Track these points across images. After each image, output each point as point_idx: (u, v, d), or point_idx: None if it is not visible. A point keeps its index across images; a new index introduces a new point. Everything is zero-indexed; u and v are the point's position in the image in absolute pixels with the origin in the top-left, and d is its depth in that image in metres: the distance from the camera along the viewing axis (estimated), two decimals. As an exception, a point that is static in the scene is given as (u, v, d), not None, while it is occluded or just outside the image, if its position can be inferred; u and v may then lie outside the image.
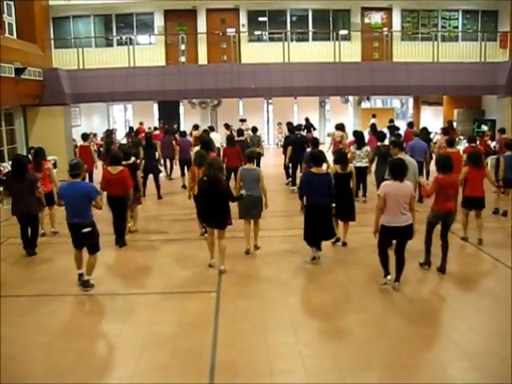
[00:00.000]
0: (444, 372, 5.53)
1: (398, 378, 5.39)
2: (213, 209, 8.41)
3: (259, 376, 5.52)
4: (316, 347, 6.24)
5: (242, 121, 24.75)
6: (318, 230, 8.79)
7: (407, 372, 5.53)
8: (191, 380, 5.46)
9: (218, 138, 17.21)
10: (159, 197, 15.00)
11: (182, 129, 23.50)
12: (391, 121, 21.52)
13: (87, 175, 14.90)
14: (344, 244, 9.87)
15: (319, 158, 8.99)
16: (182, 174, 16.14)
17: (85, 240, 7.95)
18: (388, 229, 7.49)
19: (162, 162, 17.60)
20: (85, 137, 16.03)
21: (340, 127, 16.93)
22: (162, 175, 16.40)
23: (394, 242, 7.76)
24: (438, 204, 8.31)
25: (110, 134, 18.39)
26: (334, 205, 9.05)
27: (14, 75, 16.40)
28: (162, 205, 14.35)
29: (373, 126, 17.33)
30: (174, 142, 16.70)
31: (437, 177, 8.28)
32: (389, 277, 7.66)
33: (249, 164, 9.64)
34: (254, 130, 18.07)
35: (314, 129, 22.11)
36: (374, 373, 5.53)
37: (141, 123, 24.64)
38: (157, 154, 16.21)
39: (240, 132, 16.08)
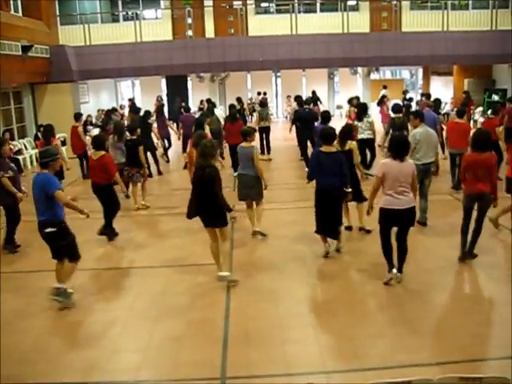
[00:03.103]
0: (458, 340, 5.55)
1: (411, 346, 5.43)
2: (206, 202, 7.02)
3: (271, 345, 5.58)
4: (328, 317, 6.28)
5: (259, 93, 24.86)
6: (329, 215, 7.85)
7: (420, 339, 5.57)
8: (205, 350, 5.54)
9: (221, 115, 16.88)
10: (159, 172, 14.77)
11: (189, 103, 23.40)
12: (405, 92, 21.37)
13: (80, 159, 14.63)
14: (361, 229, 9.07)
15: (330, 135, 7.97)
16: (184, 151, 15.25)
17: (51, 242, 6.71)
18: (387, 212, 6.74)
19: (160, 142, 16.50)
20: (77, 116, 15.00)
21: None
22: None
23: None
24: (467, 185, 7.47)
25: (108, 112, 17.87)
26: (349, 189, 8.07)
27: (20, 53, 16.37)
28: (166, 182, 14.33)
29: (381, 98, 17.16)
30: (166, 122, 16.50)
31: (465, 155, 7.61)
32: (394, 270, 6.90)
33: (244, 141, 8.98)
34: (263, 104, 17.95)
35: (321, 102, 21.98)
36: (386, 341, 5.57)
37: (129, 99, 24.72)
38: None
39: (232, 107, 15.73)
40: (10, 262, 8.38)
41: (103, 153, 9.27)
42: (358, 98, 16.96)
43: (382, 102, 17.00)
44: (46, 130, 11.74)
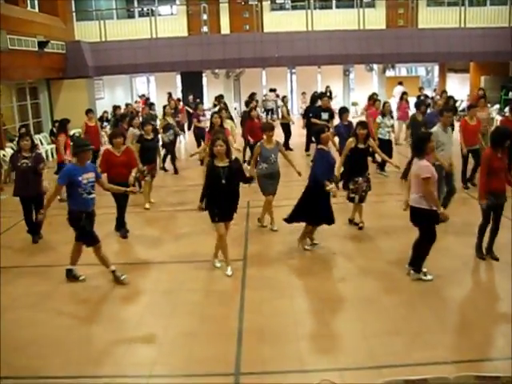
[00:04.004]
0: (475, 338, 5.49)
1: (427, 344, 5.38)
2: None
3: (286, 342, 5.56)
4: (342, 314, 6.27)
5: (272, 90, 24.66)
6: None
7: (436, 337, 5.52)
8: (219, 346, 5.53)
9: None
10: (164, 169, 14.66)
11: (204, 100, 23.45)
12: (421, 89, 21.28)
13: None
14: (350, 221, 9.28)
15: (317, 135, 8.11)
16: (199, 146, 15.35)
17: None
18: None
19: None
20: (86, 111, 14.80)
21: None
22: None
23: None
24: None
25: (115, 108, 17.99)
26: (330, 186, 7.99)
27: (37, 49, 16.47)
28: (181, 177, 14.30)
29: (402, 95, 17.19)
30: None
31: None
32: (406, 265, 7.08)
33: None
34: (283, 99, 17.85)
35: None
36: (401, 338, 5.52)
37: (140, 96, 24.83)
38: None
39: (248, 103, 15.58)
40: (33, 255, 8.55)
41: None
42: (375, 94, 16.87)
43: (401, 99, 16.95)
44: (60, 123, 11.88)
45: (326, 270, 7.56)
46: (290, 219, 8.19)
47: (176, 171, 14.40)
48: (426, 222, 6.79)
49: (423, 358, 5.09)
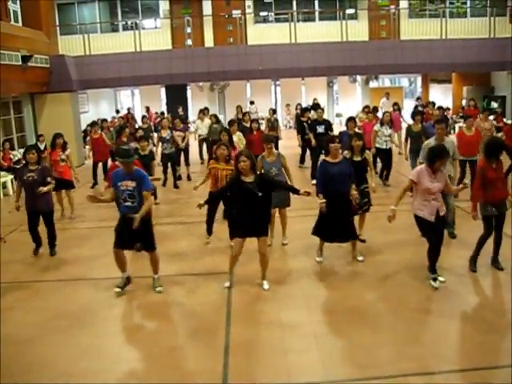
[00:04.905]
0: (463, 348, 5.52)
1: (415, 355, 5.37)
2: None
3: (273, 355, 5.54)
4: (330, 326, 6.25)
5: (251, 103, 24.64)
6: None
7: (424, 347, 5.53)
8: (207, 359, 5.50)
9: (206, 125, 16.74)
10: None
11: (189, 113, 23.43)
12: (418, 99, 21.58)
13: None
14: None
15: (326, 145, 8.05)
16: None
17: None
18: None
19: None
20: (90, 124, 15.36)
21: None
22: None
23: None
24: None
25: (102, 121, 17.96)
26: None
27: (20, 63, 16.39)
28: (170, 191, 14.28)
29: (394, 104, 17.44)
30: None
31: None
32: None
33: None
34: (272, 113, 17.80)
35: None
36: (389, 349, 5.52)
37: (118, 111, 25.01)
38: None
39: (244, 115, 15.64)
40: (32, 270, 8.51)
41: None
42: (367, 106, 17.04)
43: (394, 110, 17.13)
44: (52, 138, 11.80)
45: (314, 282, 7.54)
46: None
47: (164, 183, 14.26)
48: (417, 225, 7.09)
49: (411, 369, 5.10)
